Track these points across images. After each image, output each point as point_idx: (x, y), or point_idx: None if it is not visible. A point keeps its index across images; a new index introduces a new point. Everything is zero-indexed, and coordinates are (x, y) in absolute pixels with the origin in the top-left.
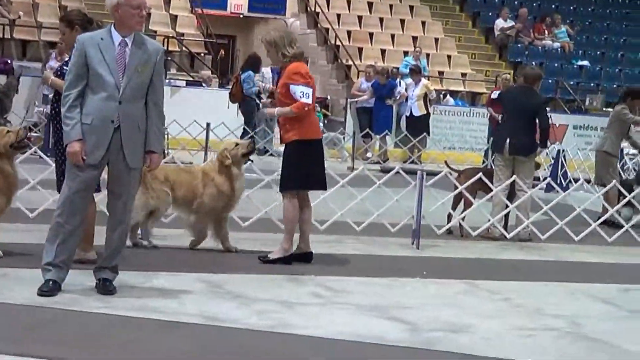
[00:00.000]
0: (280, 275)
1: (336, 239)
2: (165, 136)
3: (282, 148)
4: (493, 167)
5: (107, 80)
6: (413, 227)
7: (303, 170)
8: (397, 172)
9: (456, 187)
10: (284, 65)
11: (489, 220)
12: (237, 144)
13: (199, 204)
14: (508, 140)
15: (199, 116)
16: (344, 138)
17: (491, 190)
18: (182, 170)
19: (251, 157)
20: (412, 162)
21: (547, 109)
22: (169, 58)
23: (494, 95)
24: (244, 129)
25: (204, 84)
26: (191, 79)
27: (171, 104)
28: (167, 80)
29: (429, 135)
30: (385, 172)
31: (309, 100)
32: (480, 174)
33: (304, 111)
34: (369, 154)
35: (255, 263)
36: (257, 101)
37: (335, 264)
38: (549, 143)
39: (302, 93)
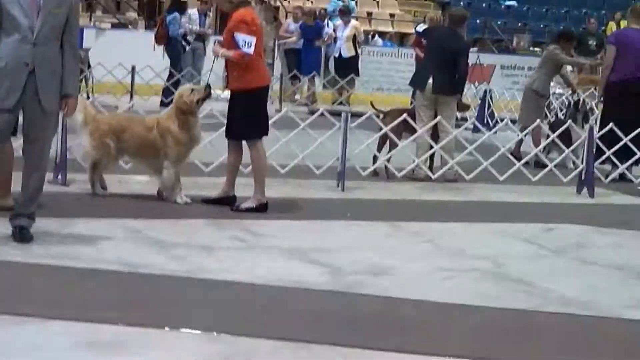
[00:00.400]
0: (201, 219)
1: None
2: (91, 80)
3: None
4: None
5: (21, 22)
6: (338, 169)
7: (262, 117)
8: (323, 114)
9: (381, 129)
10: (230, 12)
11: (414, 162)
12: (192, 90)
13: (165, 157)
14: (431, 79)
15: (124, 59)
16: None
17: (416, 131)
18: (134, 121)
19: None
20: (340, 103)
21: (471, 52)
22: (95, 0)
23: (420, 28)
24: (169, 71)
25: (129, 26)
26: (117, 21)
27: (96, 46)
28: (92, 23)
29: (357, 76)
30: (313, 115)
31: (250, 50)
32: (405, 114)
33: (243, 60)
34: (297, 96)
35: (176, 207)
36: (183, 43)
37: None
38: (475, 84)
39: (245, 42)
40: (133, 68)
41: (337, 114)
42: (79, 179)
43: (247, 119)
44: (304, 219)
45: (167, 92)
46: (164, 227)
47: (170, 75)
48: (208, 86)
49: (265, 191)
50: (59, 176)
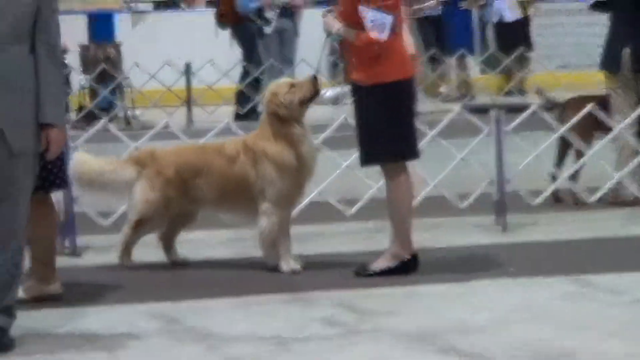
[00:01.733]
0: (278, 294)
1: (374, 226)
2: (127, 90)
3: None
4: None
5: None
6: (494, 198)
7: (403, 128)
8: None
9: (560, 129)
10: None
11: (615, 177)
12: (292, 85)
13: (261, 196)
14: (627, 51)
15: (174, 53)
16: None
17: (611, 130)
18: (207, 153)
19: None
20: (508, 94)
21: None
22: None
23: None
24: (243, 67)
25: (182, 5)
26: None
27: (133, 38)
28: (126, 5)
29: (530, 49)
30: (475, 112)
31: (384, 36)
32: (594, 105)
33: (370, 47)
34: (442, 88)
35: (238, 278)
36: (260, 22)
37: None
38: None
39: (375, 22)
40: (187, 67)
41: (481, 111)
42: (95, 244)
43: (379, 130)
44: (439, 281)
45: (242, 99)
46: (214, 311)
47: (245, 73)
48: (314, 79)
49: (408, 241)
50: (66, 241)
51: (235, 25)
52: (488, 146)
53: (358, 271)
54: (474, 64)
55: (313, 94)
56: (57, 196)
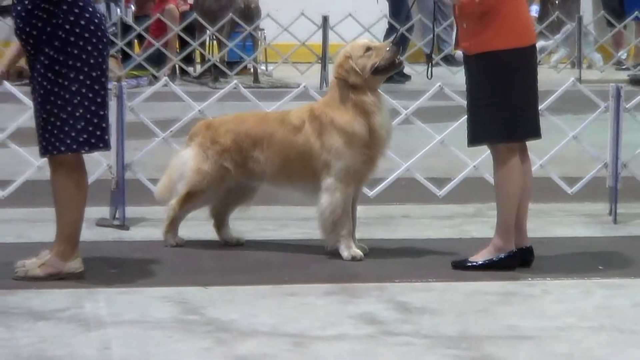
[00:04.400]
0: (322, 284)
1: (469, 210)
2: (261, 40)
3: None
4: None
5: None
6: (607, 184)
7: (515, 106)
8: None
9: None
10: None
11: None
12: (368, 49)
13: (325, 170)
14: None
15: (311, 5)
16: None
17: None
18: (270, 122)
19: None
20: None
21: None
22: None
23: None
24: (389, 24)
25: None
26: None
27: None
28: None
29: None
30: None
31: None
32: None
33: (472, 4)
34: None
35: (278, 262)
36: None
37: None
38: None
39: None
40: (325, 19)
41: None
42: (148, 215)
43: (488, 105)
44: (511, 278)
45: None
46: (241, 301)
47: (390, 29)
48: (396, 46)
49: (512, 233)
50: (117, 213)
51: None
52: (605, 124)
53: (456, 264)
54: None
55: (391, 63)
56: (109, 161)
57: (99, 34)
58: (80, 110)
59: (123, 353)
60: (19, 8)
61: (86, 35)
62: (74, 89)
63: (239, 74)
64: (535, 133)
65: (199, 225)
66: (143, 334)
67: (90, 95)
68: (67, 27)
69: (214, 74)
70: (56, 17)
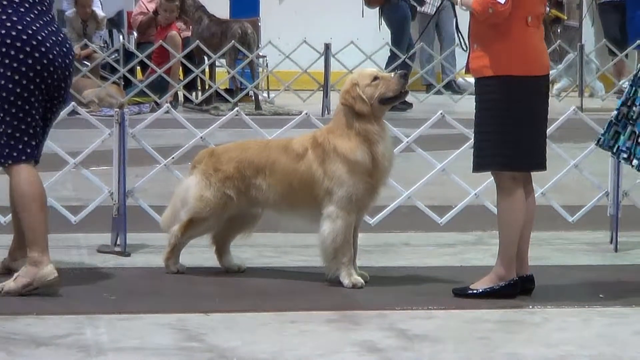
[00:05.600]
0: (323, 312)
1: (469, 238)
2: (264, 68)
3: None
4: None
5: None
6: (609, 212)
7: (521, 133)
8: None
9: None
10: None
11: None
12: (375, 78)
13: (327, 198)
14: None
15: (313, 32)
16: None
17: None
18: (273, 149)
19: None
20: None
21: None
22: None
23: None
24: (390, 51)
25: None
26: None
27: (273, 16)
28: None
29: None
30: None
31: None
32: None
33: (486, 15)
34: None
35: (278, 288)
36: (414, 2)
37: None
38: None
39: None
40: (327, 47)
41: None
42: (150, 242)
43: (493, 132)
44: (512, 306)
45: None
46: (242, 328)
47: (392, 57)
48: (403, 76)
49: (514, 263)
50: (118, 239)
51: (384, 3)
52: (606, 153)
53: (457, 292)
54: None
55: (397, 94)
56: (111, 187)
57: (17, 46)
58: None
59: None
60: None
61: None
62: None
63: (241, 101)
64: (540, 165)
65: (200, 252)
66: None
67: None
68: None
69: (215, 102)
70: None
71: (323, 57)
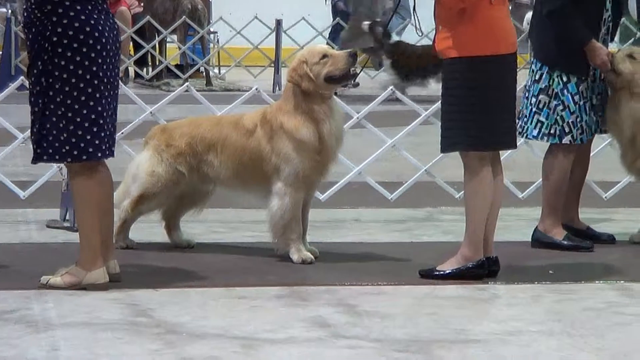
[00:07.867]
0: (274, 287)
1: (420, 214)
2: (214, 44)
3: None
4: None
5: None
6: None
7: (487, 114)
8: None
9: None
10: None
11: None
12: (324, 56)
13: (275, 174)
14: None
15: (264, 8)
16: None
17: None
18: (224, 125)
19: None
20: None
21: None
22: None
23: None
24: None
25: None
26: None
27: None
28: None
29: None
30: None
31: None
32: None
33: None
34: None
35: (227, 263)
36: None
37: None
38: None
39: None
40: (278, 23)
41: None
42: None
43: (459, 112)
44: (464, 282)
45: None
46: (192, 304)
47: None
48: (352, 55)
49: (481, 244)
50: (67, 214)
51: None
52: None
53: (423, 273)
54: None
55: (344, 74)
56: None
57: (91, 43)
58: (63, 122)
59: (71, 355)
60: (24, 15)
61: (75, 45)
62: (58, 100)
63: (192, 77)
64: (509, 144)
65: (149, 228)
66: (92, 335)
67: (76, 107)
68: (55, 39)
69: (166, 77)
70: (45, 28)
71: (274, 33)
